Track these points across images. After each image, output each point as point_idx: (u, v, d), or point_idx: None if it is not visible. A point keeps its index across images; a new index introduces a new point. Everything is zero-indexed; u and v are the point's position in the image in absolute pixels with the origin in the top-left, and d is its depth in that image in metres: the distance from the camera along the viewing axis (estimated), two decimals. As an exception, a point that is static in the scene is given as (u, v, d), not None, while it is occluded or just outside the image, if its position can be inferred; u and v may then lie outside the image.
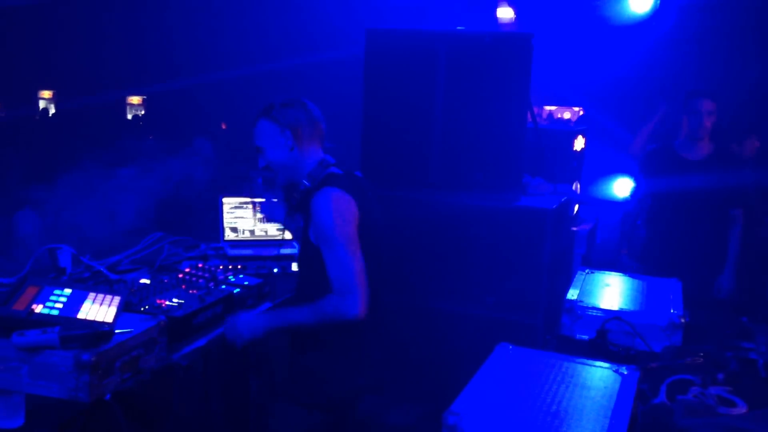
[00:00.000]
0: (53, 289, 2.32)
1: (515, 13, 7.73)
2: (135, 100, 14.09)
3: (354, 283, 2.24)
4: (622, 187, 6.37)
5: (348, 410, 2.44)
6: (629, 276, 3.19)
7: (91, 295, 2.36)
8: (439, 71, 3.50)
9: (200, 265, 3.12)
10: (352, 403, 2.42)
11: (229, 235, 3.69)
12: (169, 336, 2.40)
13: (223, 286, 2.88)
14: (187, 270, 3.04)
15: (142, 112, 13.62)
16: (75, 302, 2.29)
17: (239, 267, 3.20)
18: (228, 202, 3.70)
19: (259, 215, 3.61)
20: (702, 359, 2.35)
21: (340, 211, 2.29)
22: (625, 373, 2.03)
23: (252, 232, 3.71)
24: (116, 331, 2.20)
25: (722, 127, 4.25)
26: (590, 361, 2.12)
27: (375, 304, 2.43)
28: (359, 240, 2.32)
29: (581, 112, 5.43)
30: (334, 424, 2.43)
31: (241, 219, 3.71)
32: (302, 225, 2.53)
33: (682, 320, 2.58)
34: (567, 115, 5.33)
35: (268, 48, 10.49)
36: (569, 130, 4.72)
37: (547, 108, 5.54)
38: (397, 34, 3.64)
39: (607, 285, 3.03)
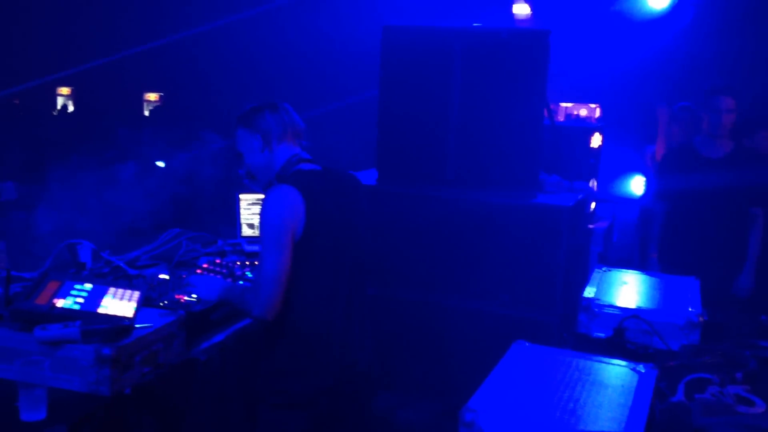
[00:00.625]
0: (74, 284, 2.36)
1: (531, 10, 7.70)
2: (152, 96, 14.17)
3: (262, 285, 2.29)
4: (639, 184, 6.33)
5: (327, 408, 2.43)
6: (647, 274, 3.17)
7: (111, 290, 2.39)
8: (455, 68, 3.50)
9: (218, 261, 3.15)
10: (325, 401, 2.41)
11: (246, 232, 3.71)
12: (188, 331, 2.43)
13: (241, 282, 2.91)
14: (205, 266, 3.07)
15: (156, 107, 13.70)
16: (95, 297, 2.32)
17: (256, 263, 3.22)
18: (245, 199, 3.72)
19: None
20: (720, 358, 2.34)
21: (279, 211, 2.32)
22: (643, 371, 2.02)
23: (269, 228, 3.72)
24: (136, 325, 2.23)
25: (741, 123, 4.20)
26: (607, 359, 2.11)
27: (340, 303, 2.43)
28: (311, 239, 2.34)
29: (598, 110, 5.41)
30: (318, 422, 2.42)
31: (258, 215, 3.73)
32: None
33: (701, 319, 2.57)
34: (584, 112, 5.31)
35: (283, 45, 10.52)
36: (586, 127, 4.71)
37: (564, 105, 5.51)
38: (413, 31, 3.64)
39: (625, 283, 3.01)
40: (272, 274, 2.28)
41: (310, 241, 2.34)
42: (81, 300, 2.29)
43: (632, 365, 2.06)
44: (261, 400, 2.43)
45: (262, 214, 2.35)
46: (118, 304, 2.31)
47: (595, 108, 5.34)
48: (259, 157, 2.53)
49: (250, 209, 3.72)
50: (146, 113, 13.45)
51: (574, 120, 5.21)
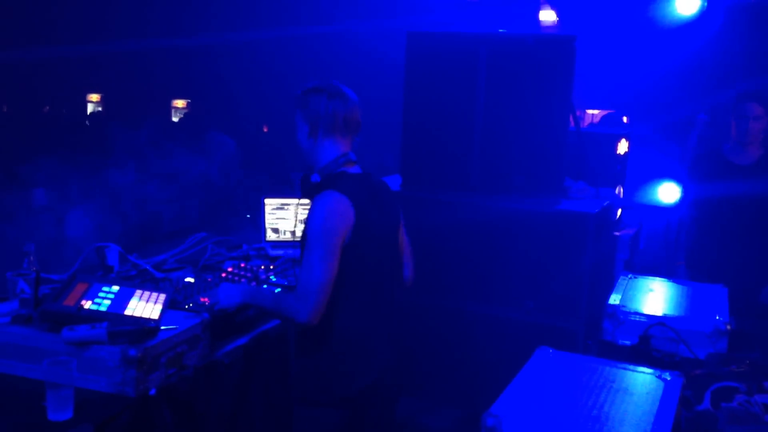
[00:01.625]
0: (102, 286, 2.39)
1: (558, 16, 7.67)
2: (180, 103, 14.33)
3: (312, 292, 2.26)
4: (666, 191, 6.25)
5: (361, 408, 2.45)
6: (673, 281, 3.14)
7: (138, 292, 2.42)
8: (480, 74, 3.49)
9: (242, 265, 3.17)
10: (361, 402, 2.43)
11: (270, 236, 3.73)
12: (212, 333, 2.45)
13: (265, 286, 2.93)
14: (229, 269, 3.10)
15: (185, 113, 13.85)
16: (122, 299, 2.35)
17: (276, 267, 3.25)
18: (270, 203, 3.75)
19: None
20: (748, 367, 2.30)
21: (332, 218, 2.30)
22: (669, 379, 2.00)
23: (293, 233, 3.75)
24: (162, 327, 2.25)
25: None
26: (633, 367, 2.09)
27: (379, 307, 2.46)
28: (358, 245, 2.34)
29: (625, 116, 5.36)
30: (352, 422, 2.44)
31: (283, 220, 3.75)
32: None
33: (728, 327, 2.53)
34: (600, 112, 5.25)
35: (308, 50, 10.59)
36: (612, 133, 4.66)
37: (590, 112, 5.47)
38: (438, 37, 3.64)
39: (651, 290, 2.98)
40: (323, 281, 2.27)
41: (356, 247, 2.35)
42: (108, 302, 2.32)
43: (658, 373, 2.03)
44: (299, 397, 2.44)
45: (312, 221, 2.32)
46: (145, 306, 2.34)
47: (623, 118, 5.29)
48: (305, 142, 2.49)
49: (274, 214, 3.75)
50: (174, 119, 13.62)
51: (600, 126, 5.16)
